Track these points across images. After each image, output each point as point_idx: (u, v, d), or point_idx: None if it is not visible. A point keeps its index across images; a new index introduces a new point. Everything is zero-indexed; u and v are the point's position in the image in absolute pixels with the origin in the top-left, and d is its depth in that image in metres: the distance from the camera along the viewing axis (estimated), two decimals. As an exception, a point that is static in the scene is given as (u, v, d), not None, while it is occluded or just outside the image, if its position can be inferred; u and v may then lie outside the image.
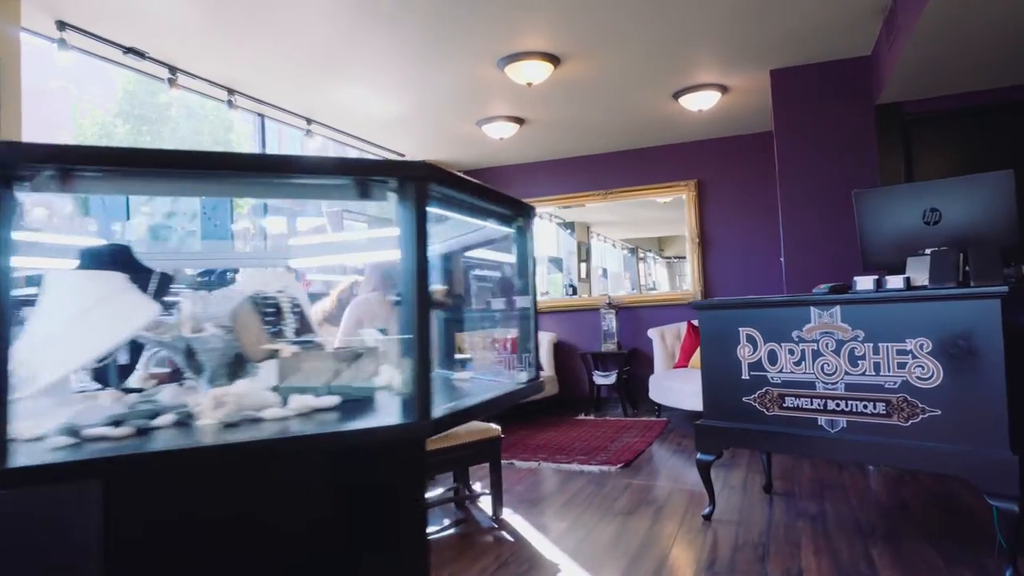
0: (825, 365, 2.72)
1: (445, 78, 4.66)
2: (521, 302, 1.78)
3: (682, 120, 5.88)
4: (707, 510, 3.24)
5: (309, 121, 5.34)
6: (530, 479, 4.23)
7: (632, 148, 6.83)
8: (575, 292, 7.19)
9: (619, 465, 4.38)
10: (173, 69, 4.16)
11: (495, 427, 3.48)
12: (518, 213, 1.75)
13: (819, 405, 2.74)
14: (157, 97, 8.20)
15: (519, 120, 5.63)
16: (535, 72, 4.28)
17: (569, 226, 7.38)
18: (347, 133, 5.76)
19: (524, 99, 5.16)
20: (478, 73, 4.55)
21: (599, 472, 4.31)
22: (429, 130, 5.90)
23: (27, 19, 3.42)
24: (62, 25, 3.53)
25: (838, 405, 2.68)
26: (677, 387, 5.38)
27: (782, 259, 4.82)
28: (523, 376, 1.73)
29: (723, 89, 5.12)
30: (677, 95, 5.20)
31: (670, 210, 6.85)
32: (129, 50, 3.88)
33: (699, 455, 3.22)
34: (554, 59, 4.30)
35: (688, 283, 6.74)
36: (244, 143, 9.50)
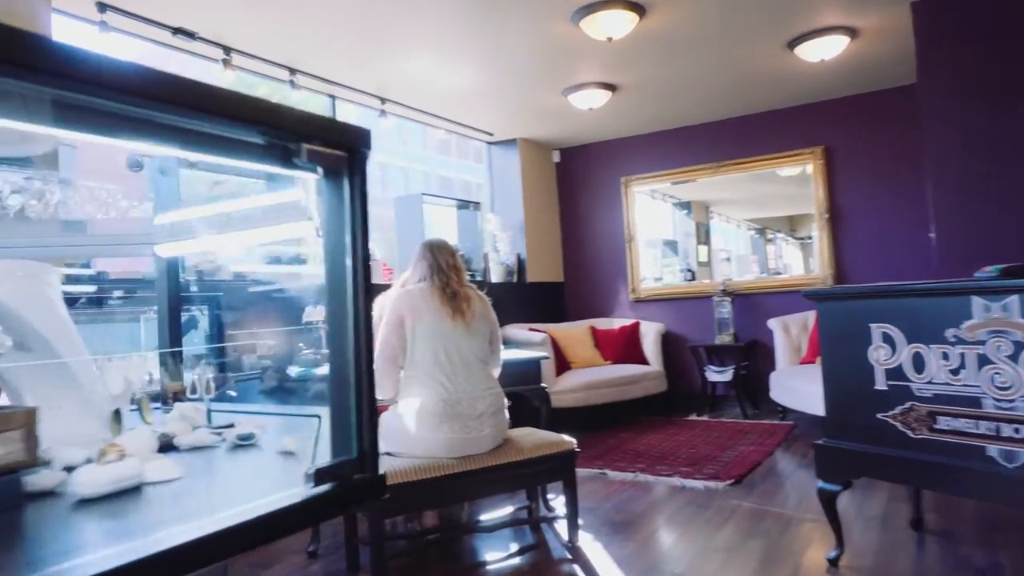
0: (996, 375, 1.98)
1: (516, 39, 4.14)
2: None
3: (800, 76, 5.02)
4: (833, 553, 2.56)
5: (383, 100, 5.00)
6: (622, 494, 3.67)
7: (743, 114, 6.01)
8: (694, 277, 6.47)
9: (729, 481, 3.72)
10: (227, 49, 3.92)
11: (568, 439, 2.95)
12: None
13: (989, 429, 2.00)
14: (258, 90, 8.33)
15: (610, 87, 5.01)
16: (615, 24, 3.67)
17: (685, 206, 6.65)
18: (423, 111, 5.37)
19: (612, 61, 4.54)
20: (552, 31, 4.00)
21: (704, 489, 3.67)
22: (512, 103, 5.40)
23: (65, 2, 3.25)
24: (102, 7, 3.34)
25: (1017, 431, 1.94)
26: (803, 387, 4.60)
27: (931, 234, 3.92)
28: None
29: (851, 33, 4.25)
30: (792, 44, 4.38)
31: (796, 184, 5.97)
32: (177, 31, 3.66)
33: (820, 483, 2.54)
34: (637, 7, 3.67)
35: (818, 266, 5.85)
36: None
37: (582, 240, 6.77)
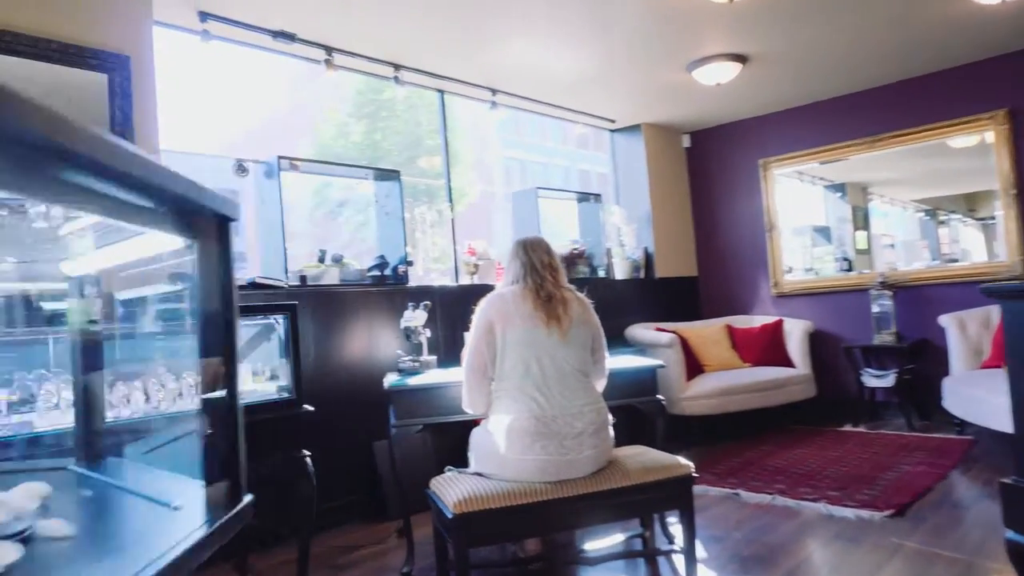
0: None
1: (629, 11, 3.75)
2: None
3: (972, 24, 4.21)
4: (1027, 624, 2.00)
5: (493, 92, 4.78)
6: (756, 521, 3.21)
7: (901, 78, 5.20)
8: (851, 267, 5.73)
9: (888, 511, 3.14)
10: (329, 49, 3.85)
11: (684, 463, 2.57)
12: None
13: None
14: (382, 94, 8.43)
15: (739, 58, 4.47)
16: (740, -20, 3.19)
17: (838, 188, 5.91)
18: (538, 100, 5.10)
19: (739, 27, 4.02)
20: (670, -3, 3.57)
21: (856, 519, 3.13)
22: (632, 85, 4.99)
23: (167, 13, 3.29)
24: (204, 16, 3.36)
25: None
26: (986, 397, 3.85)
27: None
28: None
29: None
30: (969, -15, 3.65)
31: (973, 156, 5.09)
32: (278, 34, 3.63)
33: (1008, 534, 1.99)
34: (767, -42, 3.17)
35: (1004, 251, 4.95)
36: (462, 129, 9.44)
37: (717, 231, 6.21)
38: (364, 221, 4.01)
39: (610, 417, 2.53)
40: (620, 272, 5.63)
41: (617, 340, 5.15)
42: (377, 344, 3.78)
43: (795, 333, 5.41)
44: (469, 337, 2.52)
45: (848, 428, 4.98)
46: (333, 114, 8.63)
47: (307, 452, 2.34)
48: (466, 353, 2.51)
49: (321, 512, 3.40)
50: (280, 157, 3.56)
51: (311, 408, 2.43)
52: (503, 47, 4.11)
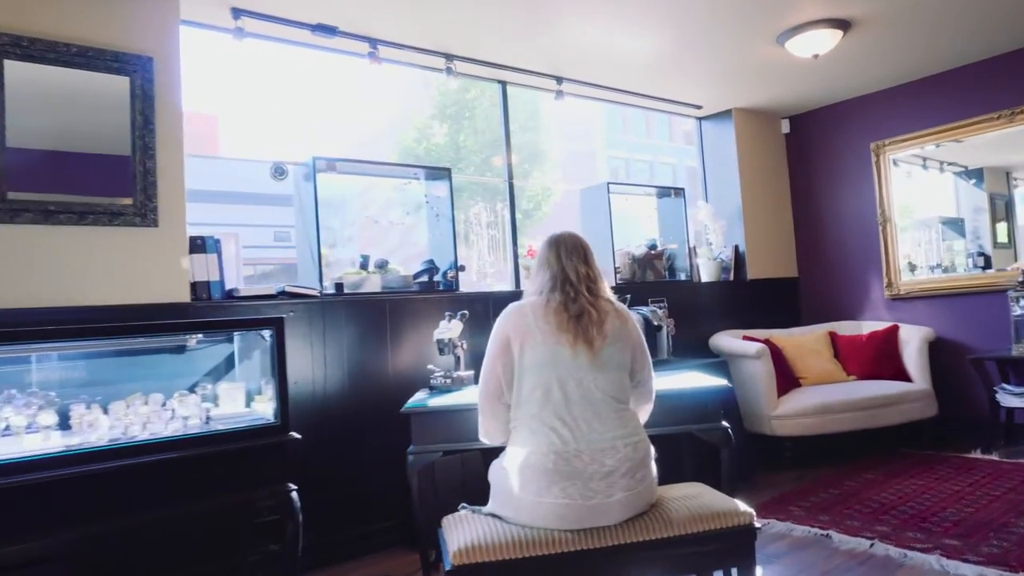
0: None
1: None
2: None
3: None
4: None
5: (559, 80, 4.41)
6: (847, 575, 2.68)
7: (1056, 39, 4.37)
8: (987, 265, 4.93)
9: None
10: (373, 42, 3.62)
11: (743, 510, 2.12)
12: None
13: None
14: (467, 93, 8.23)
15: (840, 23, 3.86)
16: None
17: (974, 174, 5.11)
18: (610, 87, 4.67)
19: (838, -11, 3.44)
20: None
21: (977, 580, 2.54)
22: (716, 64, 4.47)
23: (195, 11, 3.17)
24: (237, 12, 3.21)
25: None
26: None
27: None
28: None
29: None
30: None
31: None
32: (318, 28, 3.44)
33: None
34: None
35: None
36: (551, 125, 9.09)
37: (820, 226, 5.53)
38: (415, 224, 3.76)
39: (652, 451, 2.13)
40: (706, 274, 5.11)
41: (700, 350, 4.66)
42: (423, 355, 3.51)
43: (912, 341, 4.69)
44: (485, 357, 2.19)
45: (976, 455, 4.24)
46: (415, 116, 8.54)
47: (293, 486, 2.08)
48: (481, 375, 2.18)
49: (352, 539, 3.19)
50: (316, 158, 3.37)
51: (297, 436, 2.18)
52: (567, 28, 3.73)
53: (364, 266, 3.62)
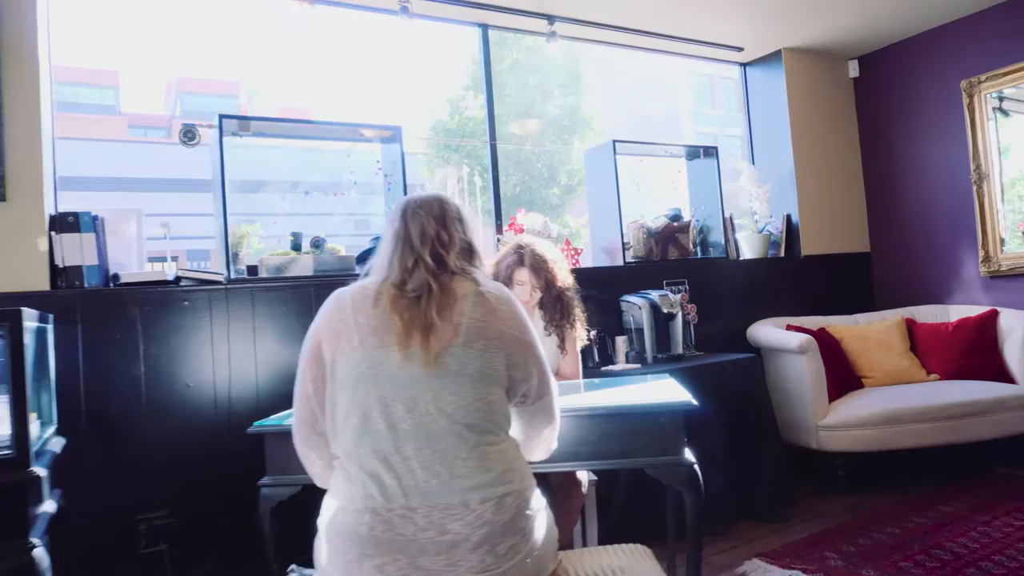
0: None
1: None
2: None
3: None
4: None
5: (550, 19, 3.66)
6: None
7: None
8: None
9: None
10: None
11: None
12: None
13: None
14: (500, 63, 7.56)
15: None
16: None
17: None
18: (620, 27, 3.86)
19: None
20: None
21: None
22: (747, -10, 3.59)
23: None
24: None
25: None
26: None
27: None
28: None
29: None
30: None
31: None
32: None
33: None
34: None
35: None
36: (592, 84, 8.24)
37: (896, 189, 4.49)
38: (368, 197, 3.15)
39: (534, 505, 1.42)
40: (748, 250, 4.22)
41: (735, 343, 3.83)
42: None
43: (1017, 331, 3.65)
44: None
45: (1106, 482, 3.21)
46: (450, 90, 7.99)
47: (36, 541, 1.51)
48: (293, 396, 1.53)
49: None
50: (223, 116, 2.79)
51: (40, 472, 1.59)
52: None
53: (296, 246, 3.04)
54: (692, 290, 3.74)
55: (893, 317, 4.04)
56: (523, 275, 2.45)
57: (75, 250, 2.56)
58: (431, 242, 1.50)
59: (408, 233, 1.52)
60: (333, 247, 3.07)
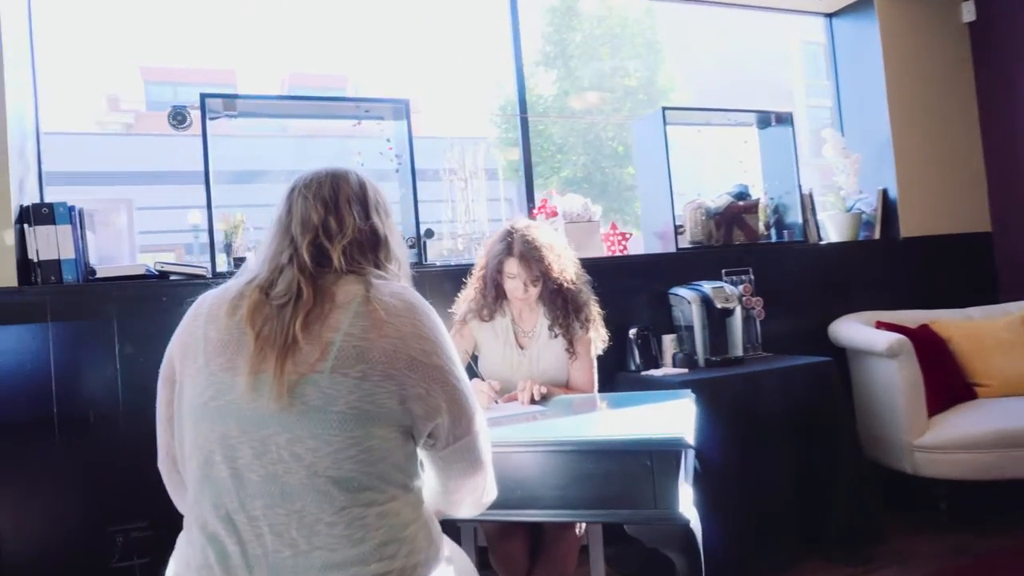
0: None
1: None
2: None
3: None
4: None
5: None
6: None
7: None
8: None
9: None
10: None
11: None
12: None
13: None
14: (571, 34, 7.01)
15: None
16: None
17: None
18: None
19: None
20: None
21: None
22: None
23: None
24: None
25: None
26: None
27: None
28: None
29: None
30: None
31: None
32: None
33: None
34: None
35: None
36: (673, 54, 7.58)
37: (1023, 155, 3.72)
38: (382, 180, 2.82)
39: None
40: (835, 232, 3.61)
41: (815, 342, 3.27)
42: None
43: None
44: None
45: None
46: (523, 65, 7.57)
47: None
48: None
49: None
50: (205, 95, 2.54)
51: None
52: None
53: (296, 236, 2.76)
54: (759, 280, 3.20)
55: (1018, 312, 3.32)
56: (512, 266, 2.05)
57: (50, 243, 2.39)
58: (314, 231, 1.15)
59: (290, 220, 1.17)
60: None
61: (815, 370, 2.71)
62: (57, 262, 2.38)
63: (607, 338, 2.28)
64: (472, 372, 2.22)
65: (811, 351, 3.04)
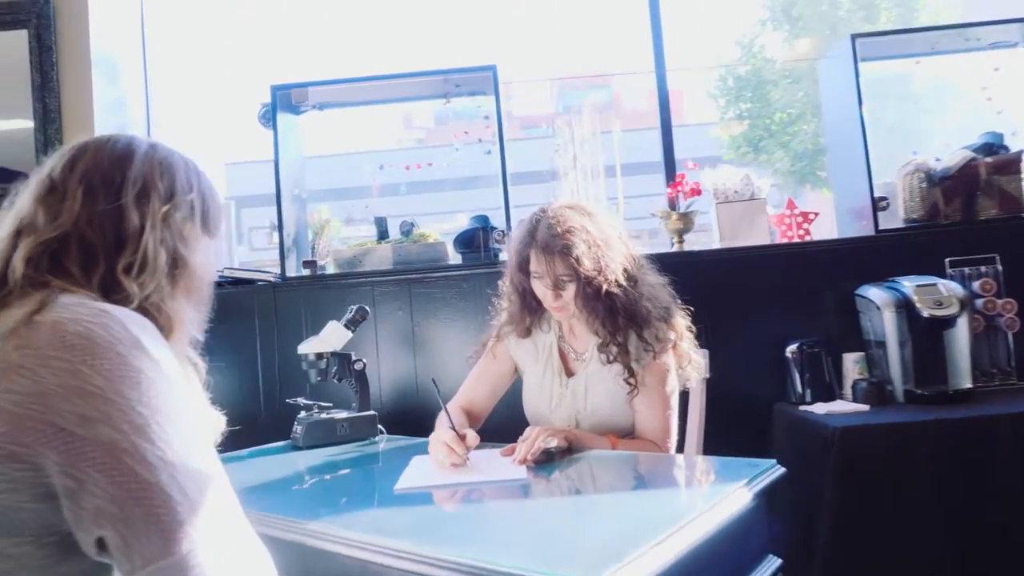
0: None
1: None
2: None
3: None
4: None
5: None
6: None
7: None
8: None
9: None
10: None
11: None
12: None
13: None
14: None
15: None
16: None
17: None
18: None
19: None
20: None
21: None
22: None
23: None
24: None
25: None
26: None
27: None
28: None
29: None
30: None
31: None
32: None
33: None
34: None
35: None
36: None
37: None
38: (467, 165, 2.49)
39: None
40: None
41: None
42: (447, 369, 2.20)
43: None
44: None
45: None
46: (740, 28, 6.40)
47: None
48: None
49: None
50: (276, 87, 2.35)
51: None
52: None
53: (383, 235, 2.48)
54: (1012, 275, 2.14)
55: None
56: (536, 261, 1.49)
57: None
58: (6, 231, 0.79)
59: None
60: (423, 233, 2.43)
61: None
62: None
63: (703, 365, 1.59)
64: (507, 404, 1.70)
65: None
